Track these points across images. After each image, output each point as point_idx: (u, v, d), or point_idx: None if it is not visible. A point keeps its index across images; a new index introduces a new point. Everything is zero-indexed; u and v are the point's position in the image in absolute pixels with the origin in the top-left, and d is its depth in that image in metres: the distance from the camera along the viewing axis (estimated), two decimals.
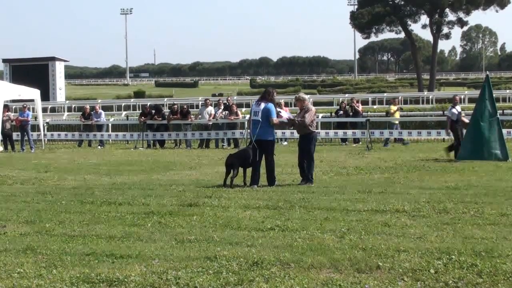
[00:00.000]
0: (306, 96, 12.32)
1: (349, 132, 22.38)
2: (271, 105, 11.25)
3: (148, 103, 31.27)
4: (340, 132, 22.50)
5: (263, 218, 7.85)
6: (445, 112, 20.37)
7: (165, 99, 50.52)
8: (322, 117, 24.51)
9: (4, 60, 53.29)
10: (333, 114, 24.75)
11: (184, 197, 9.78)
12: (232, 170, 11.18)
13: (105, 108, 37.23)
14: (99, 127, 25.14)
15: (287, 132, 22.93)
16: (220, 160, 12.46)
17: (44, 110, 32.27)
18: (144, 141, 23.51)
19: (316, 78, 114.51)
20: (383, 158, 16.31)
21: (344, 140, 22.86)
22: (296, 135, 23.13)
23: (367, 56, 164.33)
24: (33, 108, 24.83)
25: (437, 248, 6.05)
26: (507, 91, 44.04)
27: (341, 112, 23.64)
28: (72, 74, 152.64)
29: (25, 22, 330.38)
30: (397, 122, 22.13)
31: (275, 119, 11.16)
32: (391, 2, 67.10)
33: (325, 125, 23.99)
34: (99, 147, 23.91)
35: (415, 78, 77.72)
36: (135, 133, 24.49)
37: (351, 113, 23.36)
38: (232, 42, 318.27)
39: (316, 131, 11.81)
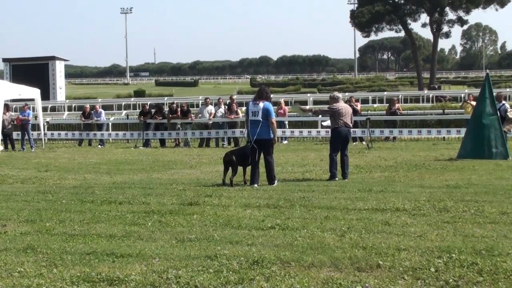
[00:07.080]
0: (338, 95, 12.70)
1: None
2: (269, 105, 11.20)
3: (148, 102, 31.25)
4: None
5: (264, 217, 7.85)
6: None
7: (165, 98, 50.53)
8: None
9: (4, 60, 53.41)
10: None
11: (184, 196, 9.79)
12: (231, 168, 11.16)
13: (105, 107, 37.28)
14: (99, 126, 25.14)
15: (287, 132, 22.95)
16: (220, 159, 12.48)
17: (44, 109, 32.28)
18: (142, 140, 23.48)
19: (316, 77, 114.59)
20: (383, 156, 16.30)
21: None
22: (295, 134, 23.43)
23: (367, 55, 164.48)
24: (33, 108, 24.81)
25: (438, 246, 6.05)
26: (507, 89, 44.02)
27: None
28: (72, 73, 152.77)
29: (25, 22, 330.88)
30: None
31: (273, 119, 11.15)
32: (391, 1, 67.19)
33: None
34: (99, 146, 23.90)
35: (415, 77, 77.83)
36: (135, 132, 24.48)
37: None
38: (232, 41, 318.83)
39: (341, 127, 11.92)
